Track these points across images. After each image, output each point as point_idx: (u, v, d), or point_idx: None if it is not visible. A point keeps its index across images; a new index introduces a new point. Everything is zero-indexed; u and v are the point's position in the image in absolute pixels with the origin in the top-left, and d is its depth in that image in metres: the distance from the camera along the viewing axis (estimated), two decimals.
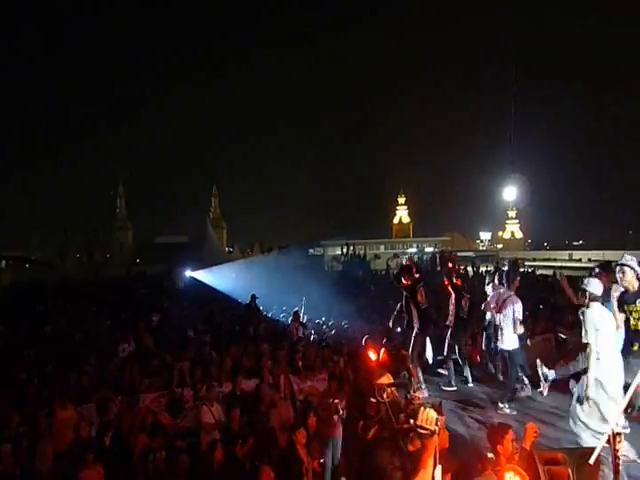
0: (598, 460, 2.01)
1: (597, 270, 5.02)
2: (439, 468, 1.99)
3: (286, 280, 18.92)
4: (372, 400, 2.12)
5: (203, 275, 21.31)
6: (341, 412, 5.29)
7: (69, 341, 9.56)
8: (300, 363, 7.87)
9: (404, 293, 7.03)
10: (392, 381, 2.29)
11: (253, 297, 12.33)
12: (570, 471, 2.65)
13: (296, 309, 11.07)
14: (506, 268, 6.63)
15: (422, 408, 1.96)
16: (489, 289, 6.97)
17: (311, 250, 47.67)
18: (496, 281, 6.74)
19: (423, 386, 6.06)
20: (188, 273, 22.37)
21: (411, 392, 2.18)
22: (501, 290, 5.97)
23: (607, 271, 4.96)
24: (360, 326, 10.67)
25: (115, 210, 78.69)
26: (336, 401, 5.54)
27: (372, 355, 6.88)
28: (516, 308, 5.64)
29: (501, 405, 5.40)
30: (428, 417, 1.92)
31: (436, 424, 1.91)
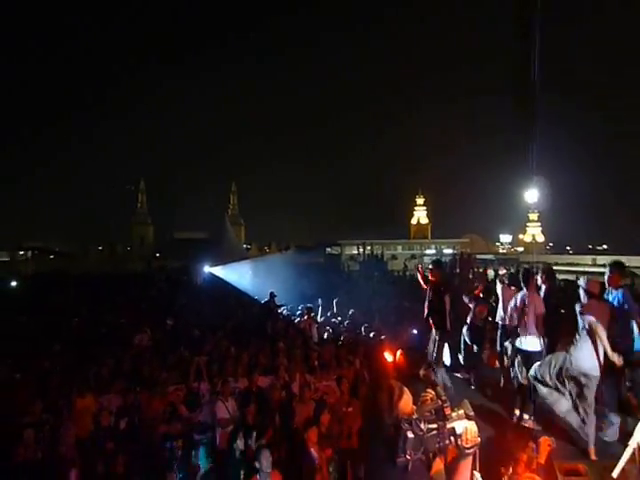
0: (624, 474, 1.96)
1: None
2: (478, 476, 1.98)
3: (303, 278, 18.99)
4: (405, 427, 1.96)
5: (221, 271, 21.50)
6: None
7: (90, 332, 9.77)
8: (316, 362, 7.88)
9: (428, 293, 6.96)
10: (414, 410, 2.10)
11: (272, 295, 12.40)
12: None
13: (309, 305, 11.08)
14: (524, 269, 6.53)
15: (465, 427, 1.93)
16: (499, 289, 6.93)
17: (328, 249, 47.66)
18: (506, 282, 6.68)
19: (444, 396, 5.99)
20: (207, 269, 22.60)
21: (445, 412, 2.04)
22: (522, 291, 5.88)
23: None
24: (376, 327, 10.62)
25: (136, 205, 79.94)
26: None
27: (388, 356, 6.86)
28: (537, 307, 5.57)
29: (525, 416, 5.32)
30: (471, 434, 1.91)
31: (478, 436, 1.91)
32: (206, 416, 6.44)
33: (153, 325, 9.81)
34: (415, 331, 9.72)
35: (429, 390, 2.15)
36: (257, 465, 4.23)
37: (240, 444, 4.74)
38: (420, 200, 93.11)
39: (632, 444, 1.55)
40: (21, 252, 54.67)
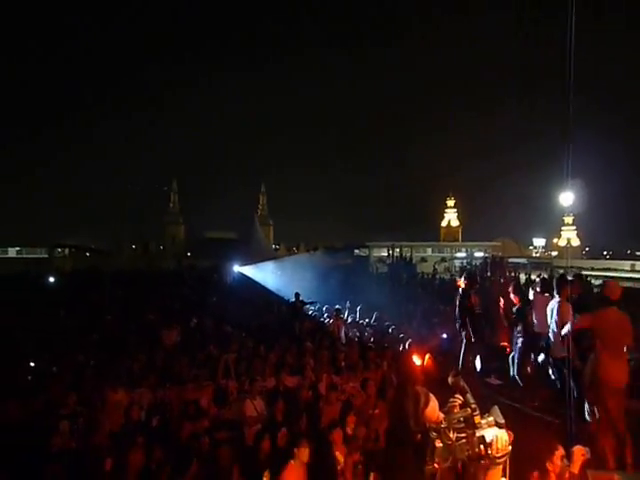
0: None
1: None
2: None
3: (330, 279, 19.01)
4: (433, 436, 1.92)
5: (250, 271, 21.76)
6: None
7: (124, 329, 10.06)
8: (342, 363, 7.87)
9: (458, 296, 6.86)
10: (442, 418, 2.06)
11: (297, 295, 12.47)
12: None
13: (338, 307, 11.07)
14: (558, 276, 6.32)
15: (495, 436, 1.90)
16: (531, 295, 6.73)
17: (357, 251, 47.52)
18: (538, 289, 6.47)
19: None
20: (236, 268, 22.92)
21: (475, 420, 1.99)
22: (552, 299, 5.71)
23: None
24: (405, 329, 10.53)
25: (169, 205, 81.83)
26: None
27: (417, 360, 6.78)
28: (567, 314, 5.39)
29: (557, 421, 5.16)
30: (502, 442, 1.88)
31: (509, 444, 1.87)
32: (234, 414, 6.53)
33: (183, 322, 10.01)
34: (445, 335, 9.59)
35: (457, 396, 2.10)
36: (295, 451, 4.29)
37: (266, 443, 4.77)
38: (451, 202, 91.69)
39: None
40: (59, 249, 56.89)
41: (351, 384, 7.18)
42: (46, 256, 55.05)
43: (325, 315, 12.12)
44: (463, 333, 6.75)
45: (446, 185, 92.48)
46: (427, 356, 6.97)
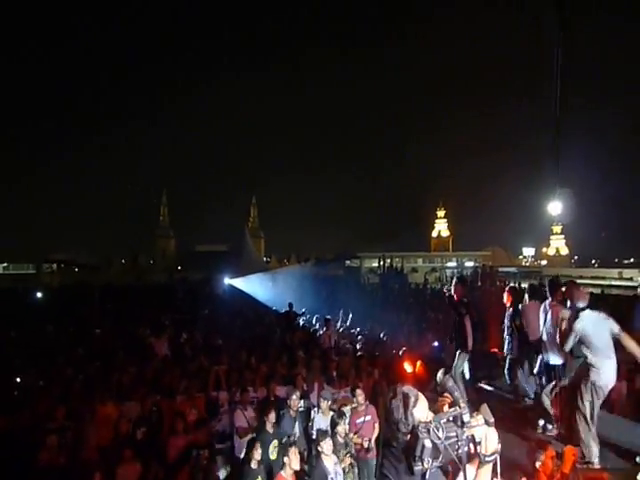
0: None
1: None
2: None
3: (322, 290, 19.00)
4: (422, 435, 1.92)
5: (241, 283, 21.69)
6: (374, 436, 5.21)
7: (113, 342, 9.94)
8: (334, 373, 7.84)
9: (456, 306, 6.85)
10: (432, 417, 2.06)
11: (290, 306, 12.46)
12: None
13: (328, 317, 11.07)
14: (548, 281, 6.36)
15: (484, 434, 1.91)
16: (526, 300, 6.75)
17: (348, 262, 47.53)
18: (527, 295, 6.53)
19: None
20: (227, 281, 22.82)
21: (464, 418, 1.99)
22: (546, 302, 5.73)
23: None
24: (397, 338, 10.55)
25: (158, 218, 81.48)
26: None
27: (408, 367, 6.77)
28: (556, 316, 5.44)
29: (549, 426, 5.18)
30: (491, 441, 1.89)
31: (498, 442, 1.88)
32: (225, 425, 6.47)
33: (174, 334, 9.93)
34: (436, 343, 9.61)
35: (446, 395, 2.11)
36: (286, 461, 4.26)
37: (257, 454, 4.73)
38: (441, 213, 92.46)
39: None
40: (47, 265, 56.20)
41: (342, 393, 7.16)
42: (34, 272, 54.33)
43: (316, 325, 12.09)
44: (458, 342, 6.71)
45: (436, 196, 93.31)
46: (418, 363, 6.98)
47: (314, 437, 5.45)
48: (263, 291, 19.49)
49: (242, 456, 5.43)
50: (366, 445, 5.12)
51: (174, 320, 12.29)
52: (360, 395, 5.77)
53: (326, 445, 4.64)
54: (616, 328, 4.30)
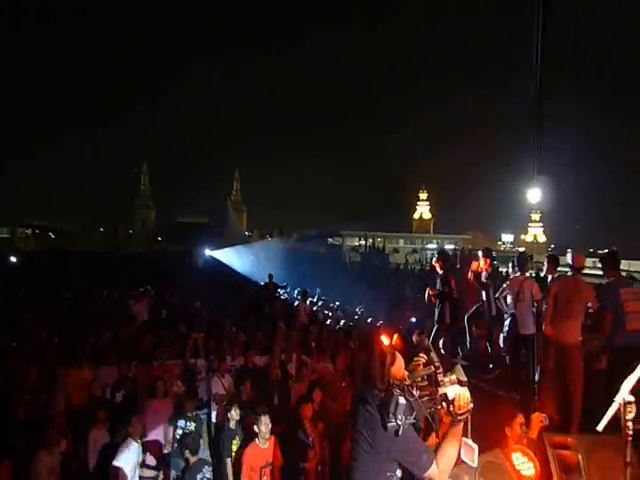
0: (609, 446, 1.95)
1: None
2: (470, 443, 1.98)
3: (304, 266, 19.05)
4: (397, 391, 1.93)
5: (222, 254, 21.58)
6: None
7: (88, 306, 9.81)
8: (313, 344, 7.92)
9: (437, 281, 6.91)
10: (407, 376, 2.07)
11: (270, 277, 12.45)
12: (580, 456, 2.63)
13: (306, 289, 11.12)
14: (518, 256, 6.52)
15: (457, 393, 1.93)
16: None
17: (330, 239, 47.66)
18: (510, 269, 6.62)
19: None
20: (208, 252, 22.68)
21: (438, 378, 2.01)
22: (517, 275, 5.88)
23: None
24: (375, 314, 10.68)
25: (139, 188, 79.98)
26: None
27: (385, 339, 6.84)
28: (534, 290, 5.59)
29: (517, 396, 5.35)
30: (464, 400, 1.91)
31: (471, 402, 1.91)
32: (202, 392, 6.49)
33: (155, 300, 9.86)
34: (414, 319, 9.76)
35: (422, 355, 2.13)
36: (256, 430, 4.29)
37: (235, 414, 4.77)
38: (423, 195, 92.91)
39: (618, 399, 1.55)
40: (21, 230, 54.88)
41: (321, 363, 7.25)
42: (8, 236, 53.00)
43: (297, 298, 12.15)
44: (439, 317, 6.79)
45: (419, 178, 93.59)
46: (395, 336, 7.05)
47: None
48: (244, 263, 19.44)
49: (220, 422, 5.47)
50: (342, 412, 5.21)
51: (154, 286, 12.17)
52: (337, 364, 5.86)
53: (304, 411, 4.73)
54: None
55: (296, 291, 12.81)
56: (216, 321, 8.64)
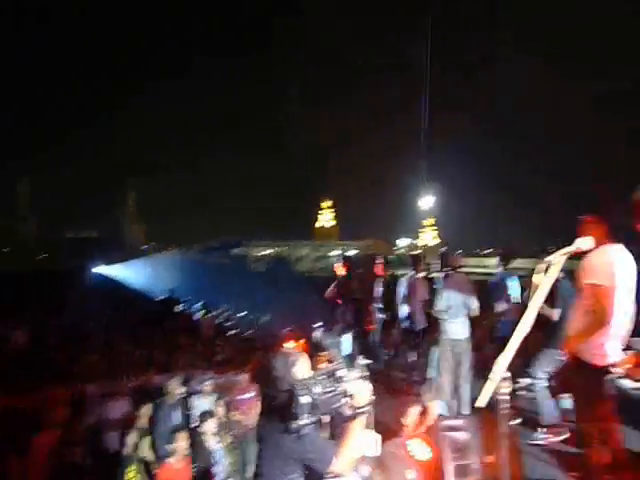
0: (492, 423, 2.14)
1: None
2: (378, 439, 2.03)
3: (207, 278, 18.53)
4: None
5: (115, 270, 20.16)
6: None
7: None
8: (218, 357, 7.71)
9: (340, 281, 7.15)
10: (311, 374, 2.10)
11: (170, 291, 11.92)
12: (469, 435, 2.89)
13: (205, 302, 10.86)
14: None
15: (358, 387, 1.97)
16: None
17: (234, 250, 46.84)
18: (405, 270, 7.15)
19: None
20: (99, 269, 21.05)
21: (339, 374, 2.06)
22: (410, 275, 6.37)
23: None
24: (281, 322, 10.68)
25: (16, 204, 71.96)
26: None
27: (290, 343, 6.89)
28: (424, 289, 6.06)
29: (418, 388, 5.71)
30: (365, 393, 1.96)
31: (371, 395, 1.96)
32: (96, 418, 5.97)
33: (36, 324, 8.88)
34: (319, 325, 9.93)
35: (324, 353, 2.18)
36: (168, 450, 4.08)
37: (130, 438, 4.45)
38: (326, 204, 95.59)
39: (494, 377, 1.72)
40: None
41: (226, 377, 7.07)
42: None
43: (199, 311, 11.75)
44: (341, 318, 7.03)
45: (323, 187, 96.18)
46: (302, 341, 7.15)
47: (197, 421, 5.31)
48: (140, 278, 18.38)
49: (115, 449, 5.08)
50: (249, 422, 5.11)
51: (37, 308, 10.98)
52: (243, 375, 5.76)
53: (209, 426, 4.56)
54: None
55: (198, 304, 12.41)
56: (109, 341, 8.03)
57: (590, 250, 2.39)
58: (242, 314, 11.87)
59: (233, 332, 10.02)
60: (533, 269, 2.05)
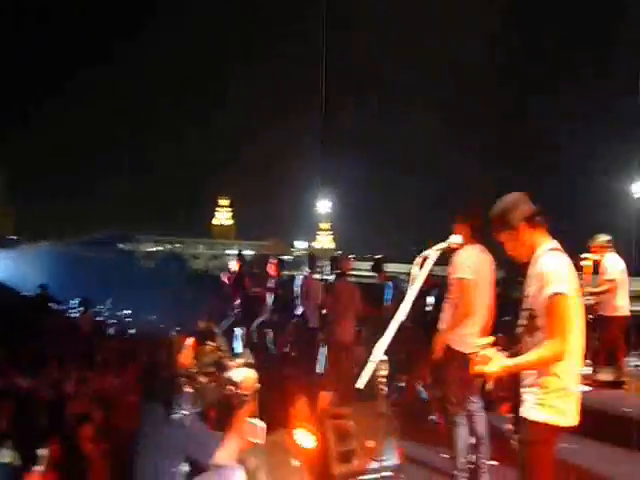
0: (373, 408, 2.27)
1: None
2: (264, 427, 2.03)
3: (88, 273, 17.29)
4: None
5: None
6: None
7: None
8: (98, 357, 7.19)
9: (232, 279, 7.15)
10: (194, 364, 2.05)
11: (42, 287, 10.78)
12: (351, 422, 3.05)
13: (86, 298, 10.09)
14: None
15: (243, 375, 1.96)
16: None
17: (121, 245, 43.71)
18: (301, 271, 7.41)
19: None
20: None
21: (224, 362, 2.04)
22: (306, 275, 6.58)
23: None
24: (172, 321, 10.29)
25: None
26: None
27: (180, 344, 6.68)
28: (318, 291, 6.28)
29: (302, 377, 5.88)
30: (250, 381, 1.95)
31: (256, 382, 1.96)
32: None
33: None
34: (208, 317, 9.73)
35: (209, 342, 2.15)
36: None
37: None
38: (223, 202, 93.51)
39: (373, 359, 1.85)
40: None
41: (106, 378, 6.61)
42: None
43: (77, 309, 10.82)
44: (233, 312, 7.08)
45: (220, 185, 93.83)
46: (191, 340, 6.95)
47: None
48: (6, 272, 16.46)
49: None
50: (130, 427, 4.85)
51: None
52: (127, 378, 5.46)
53: (85, 431, 4.25)
54: None
55: (76, 301, 11.42)
56: None
57: (459, 247, 2.68)
58: (126, 312, 11.19)
59: (113, 330, 9.39)
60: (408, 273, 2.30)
